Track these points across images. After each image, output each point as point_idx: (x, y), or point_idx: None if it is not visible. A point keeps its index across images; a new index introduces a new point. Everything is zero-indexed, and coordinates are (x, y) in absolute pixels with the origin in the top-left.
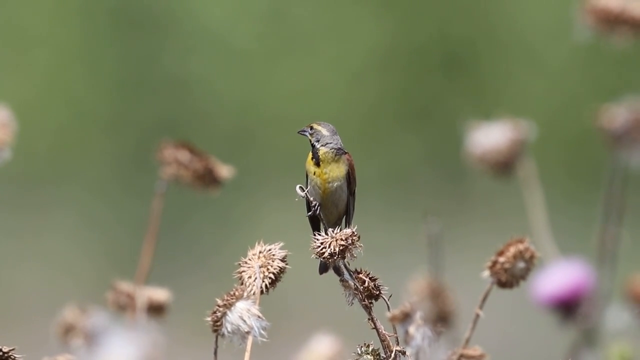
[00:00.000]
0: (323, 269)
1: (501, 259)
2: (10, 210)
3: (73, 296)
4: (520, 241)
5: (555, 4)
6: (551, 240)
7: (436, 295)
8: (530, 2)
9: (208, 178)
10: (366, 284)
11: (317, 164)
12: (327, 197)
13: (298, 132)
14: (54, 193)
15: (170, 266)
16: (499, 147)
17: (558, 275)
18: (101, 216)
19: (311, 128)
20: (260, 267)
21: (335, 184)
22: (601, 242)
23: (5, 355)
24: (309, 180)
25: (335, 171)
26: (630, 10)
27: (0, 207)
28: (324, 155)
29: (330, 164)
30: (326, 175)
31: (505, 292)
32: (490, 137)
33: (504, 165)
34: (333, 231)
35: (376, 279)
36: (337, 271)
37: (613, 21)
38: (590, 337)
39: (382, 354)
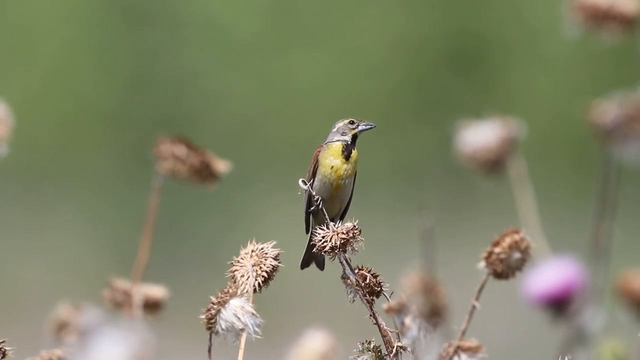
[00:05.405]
0: (305, 263)
1: (497, 250)
2: (14, 206)
3: (77, 291)
4: (516, 232)
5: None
6: (543, 238)
7: (428, 289)
8: None
9: (205, 173)
10: (367, 280)
11: (347, 159)
12: (336, 192)
13: (368, 123)
14: (58, 188)
15: (172, 261)
16: (488, 146)
17: (549, 273)
18: (105, 211)
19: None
20: (253, 266)
21: (347, 180)
22: (594, 237)
23: None
24: (319, 175)
25: (353, 168)
26: (618, 7)
27: (4, 202)
28: (354, 152)
29: (353, 160)
30: (343, 172)
31: (507, 289)
32: (480, 135)
33: (494, 164)
34: (334, 225)
35: (377, 275)
36: (320, 265)
37: (601, 17)
38: (582, 335)
39: (384, 351)
